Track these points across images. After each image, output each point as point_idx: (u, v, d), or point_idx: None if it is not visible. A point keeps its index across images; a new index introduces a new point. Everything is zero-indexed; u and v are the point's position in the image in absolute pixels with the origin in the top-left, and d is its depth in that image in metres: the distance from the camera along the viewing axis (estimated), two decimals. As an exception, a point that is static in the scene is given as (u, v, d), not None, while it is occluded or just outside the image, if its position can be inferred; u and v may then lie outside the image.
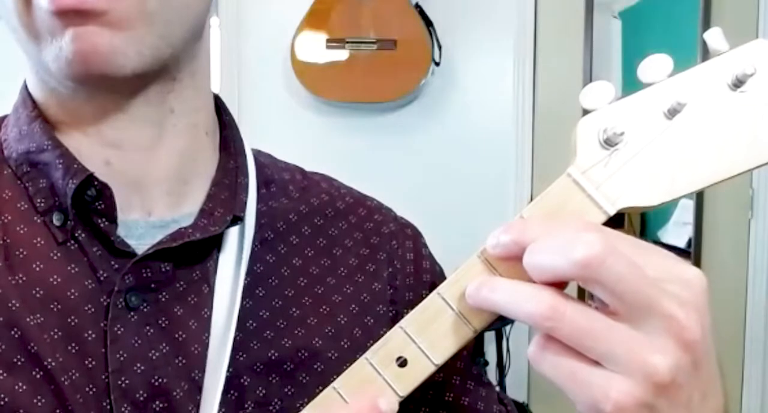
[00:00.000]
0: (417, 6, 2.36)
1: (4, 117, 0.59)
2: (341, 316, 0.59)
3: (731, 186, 2.53)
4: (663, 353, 0.38)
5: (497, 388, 0.68)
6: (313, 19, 2.36)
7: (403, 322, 0.43)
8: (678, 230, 2.40)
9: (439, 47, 2.37)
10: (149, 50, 0.50)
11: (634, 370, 0.38)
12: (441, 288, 0.43)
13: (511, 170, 2.43)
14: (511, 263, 0.41)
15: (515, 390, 2.36)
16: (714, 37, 0.42)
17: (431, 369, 0.43)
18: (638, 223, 2.38)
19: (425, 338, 0.43)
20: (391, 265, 0.64)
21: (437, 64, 2.37)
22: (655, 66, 0.42)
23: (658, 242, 2.38)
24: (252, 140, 0.63)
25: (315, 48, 2.35)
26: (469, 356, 0.66)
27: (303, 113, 2.44)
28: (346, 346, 0.58)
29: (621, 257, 0.38)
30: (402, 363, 0.43)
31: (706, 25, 2.34)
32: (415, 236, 0.67)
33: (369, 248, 0.63)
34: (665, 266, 0.40)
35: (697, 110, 0.42)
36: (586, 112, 0.43)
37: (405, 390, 0.43)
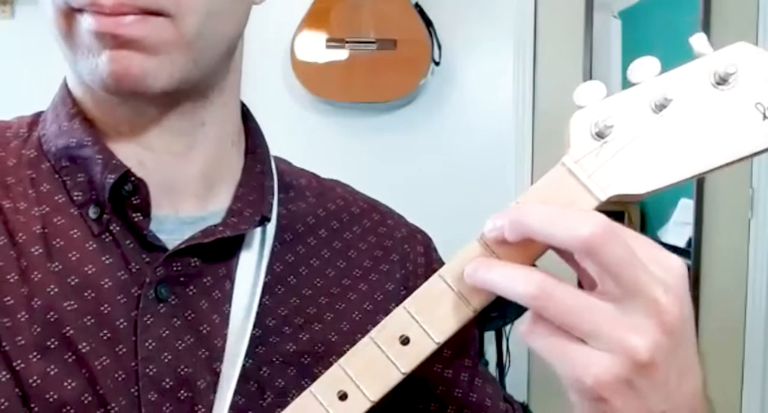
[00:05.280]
0: (417, 6, 2.36)
1: (40, 113, 0.62)
2: (356, 313, 0.62)
3: (731, 186, 2.54)
4: (643, 334, 0.41)
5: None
6: (313, 19, 2.36)
7: (406, 303, 0.46)
8: (678, 230, 2.40)
9: (439, 47, 2.37)
10: (180, 73, 0.53)
11: (616, 348, 0.41)
12: (442, 270, 0.46)
13: (511, 170, 2.43)
14: (507, 246, 0.44)
15: (515, 390, 2.36)
16: (699, 41, 0.45)
17: (433, 346, 0.45)
18: (638, 222, 2.38)
19: (427, 318, 0.45)
20: (404, 267, 0.67)
21: (437, 64, 2.37)
22: (643, 67, 0.45)
23: (658, 242, 2.38)
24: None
25: (315, 48, 2.35)
26: (477, 355, 0.69)
27: (303, 113, 2.44)
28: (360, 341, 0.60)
29: (621, 240, 0.41)
30: (404, 341, 0.45)
31: (706, 24, 2.33)
32: (426, 241, 0.70)
33: (382, 250, 0.66)
34: (651, 253, 0.43)
35: (682, 105, 0.44)
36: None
37: (407, 366, 0.45)
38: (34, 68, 2.44)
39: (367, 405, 0.46)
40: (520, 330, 0.44)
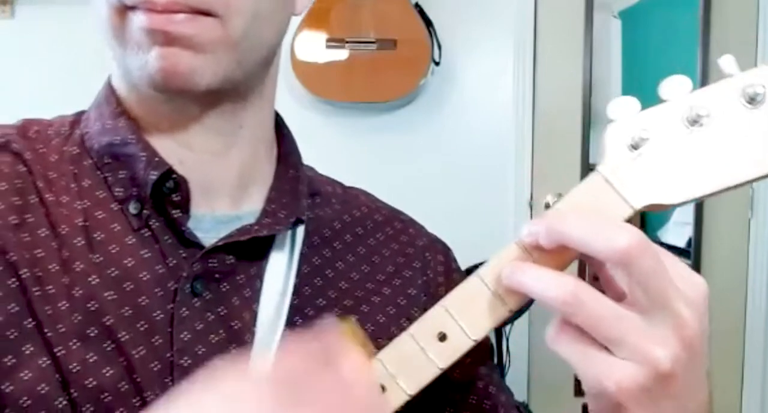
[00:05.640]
0: (417, 6, 2.36)
1: (81, 113, 0.64)
2: (380, 316, 0.64)
3: (731, 186, 2.52)
4: (665, 345, 0.42)
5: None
6: (313, 19, 2.36)
7: (444, 301, 0.48)
8: (678, 230, 2.40)
9: (439, 47, 2.37)
10: (224, 72, 0.55)
11: (640, 358, 0.42)
12: (480, 271, 0.47)
13: (511, 170, 2.43)
14: (544, 252, 0.46)
15: (515, 390, 2.36)
16: (727, 62, 0.47)
17: (469, 344, 0.47)
18: (638, 222, 2.38)
19: (464, 315, 0.47)
20: (425, 274, 0.68)
21: (437, 64, 2.37)
22: (675, 84, 0.47)
23: (658, 242, 2.38)
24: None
25: (315, 48, 2.35)
26: (492, 364, 0.71)
27: (303, 113, 2.44)
28: (384, 343, 0.63)
29: (654, 254, 0.42)
30: (442, 337, 0.47)
31: (706, 24, 2.33)
32: (446, 251, 0.73)
33: (405, 257, 0.69)
34: (677, 269, 0.44)
35: (714, 122, 0.47)
36: (609, 122, 0.48)
37: (444, 362, 0.48)
38: (34, 68, 2.44)
39: (404, 399, 0.48)
40: (546, 335, 0.45)
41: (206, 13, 0.52)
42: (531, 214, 2.38)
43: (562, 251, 0.46)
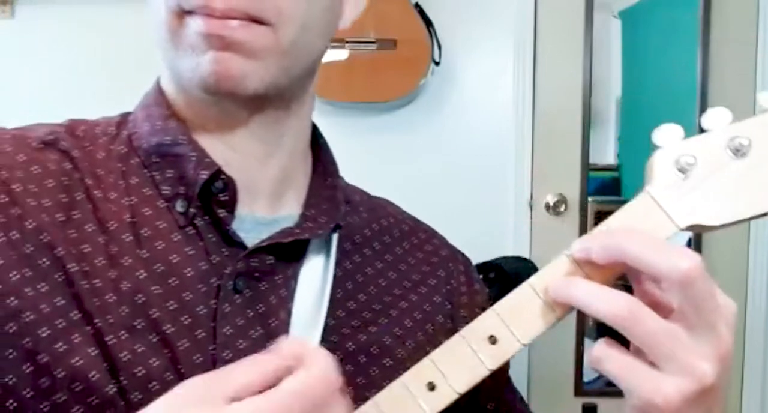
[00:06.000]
0: (417, 6, 2.36)
1: (127, 114, 0.66)
2: (407, 321, 0.67)
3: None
4: (709, 361, 0.46)
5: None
6: (313, 19, 2.35)
7: (495, 306, 0.51)
8: (678, 230, 2.40)
9: (439, 47, 2.37)
10: (271, 78, 0.57)
11: (688, 372, 0.45)
12: (531, 280, 0.51)
13: (511, 170, 2.43)
14: (594, 266, 0.49)
15: (515, 390, 2.37)
16: (765, 98, 0.51)
17: (518, 347, 0.50)
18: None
19: (515, 321, 0.50)
20: (449, 283, 0.71)
21: (437, 64, 2.37)
22: (717, 116, 0.51)
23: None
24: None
25: (315, 48, 2.35)
26: (507, 371, 0.75)
27: (303, 113, 2.44)
28: (410, 347, 0.65)
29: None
30: (493, 341, 0.50)
31: (706, 24, 2.34)
32: (466, 262, 0.76)
33: (429, 266, 0.72)
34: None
35: (755, 151, 0.50)
36: (655, 148, 0.52)
37: (493, 364, 0.50)
38: (34, 68, 2.44)
39: (454, 397, 0.50)
40: (591, 355, 0.48)
41: (259, 21, 0.55)
42: (531, 214, 2.38)
43: (613, 266, 0.48)
